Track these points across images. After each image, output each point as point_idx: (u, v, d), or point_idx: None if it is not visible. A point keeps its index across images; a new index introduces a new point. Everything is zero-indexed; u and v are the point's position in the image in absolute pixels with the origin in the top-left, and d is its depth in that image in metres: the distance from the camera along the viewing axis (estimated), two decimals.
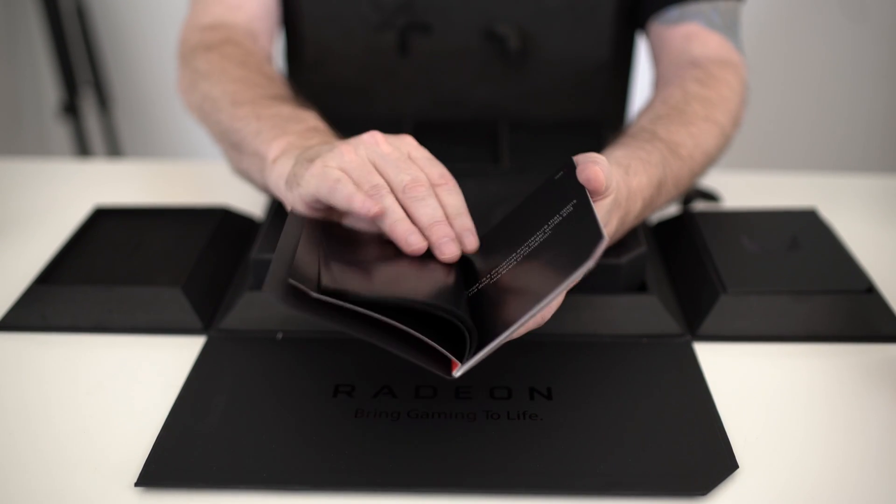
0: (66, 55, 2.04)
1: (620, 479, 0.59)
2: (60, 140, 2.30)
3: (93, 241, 0.86)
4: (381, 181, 0.66)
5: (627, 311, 0.75)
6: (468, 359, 0.56)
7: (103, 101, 2.16)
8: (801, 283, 0.77)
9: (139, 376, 0.71)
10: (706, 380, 0.69)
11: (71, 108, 2.09)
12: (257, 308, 0.76)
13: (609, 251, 0.75)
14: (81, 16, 2.07)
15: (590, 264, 0.53)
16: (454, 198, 0.68)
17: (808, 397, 0.68)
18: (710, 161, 0.85)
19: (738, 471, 0.60)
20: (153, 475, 0.59)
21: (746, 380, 0.70)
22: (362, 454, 0.61)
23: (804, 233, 0.85)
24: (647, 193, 0.73)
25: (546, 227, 0.61)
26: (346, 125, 1.03)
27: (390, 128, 1.01)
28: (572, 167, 0.63)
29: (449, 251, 0.64)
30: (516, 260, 0.62)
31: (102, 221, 0.90)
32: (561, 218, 0.61)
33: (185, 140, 2.26)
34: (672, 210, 0.96)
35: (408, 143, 0.71)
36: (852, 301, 0.76)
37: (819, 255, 0.82)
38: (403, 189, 0.65)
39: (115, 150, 2.22)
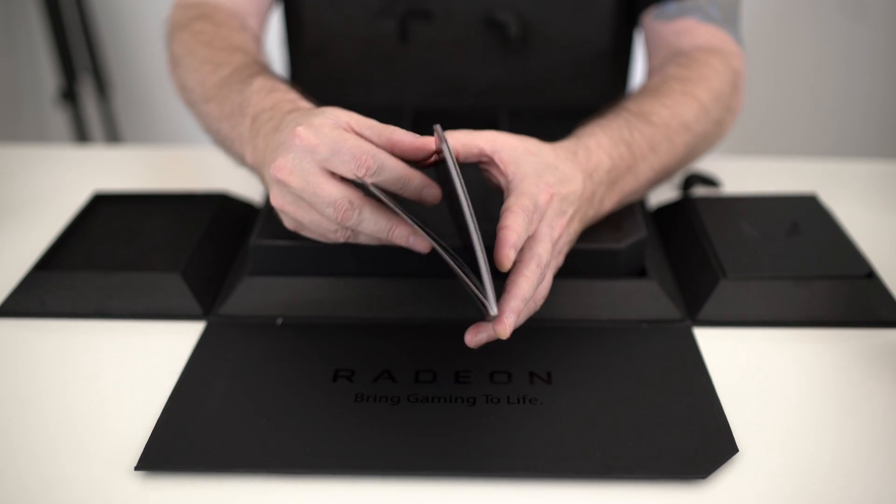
0: (64, 42, 2.04)
1: (620, 462, 0.59)
2: (59, 126, 2.30)
3: (92, 227, 0.86)
4: (316, 228, 0.65)
5: (627, 296, 0.75)
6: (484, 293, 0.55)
7: (102, 88, 2.16)
8: (801, 269, 0.77)
9: (139, 362, 0.71)
10: (706, 364, 0.69)
11: (70, 95, 2.09)
12: (257, 294, 0.76)
13: (609, 236, 0.75)
14: (80, 2, 2.06)
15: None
16: (387, 175, 0.62)
17: (808, 382, 0.68)
18: (691, 134, 0.82)
19: (737, 454, 0.60)
20: (153, 460, 0.59)
21: (746, 365, 0.70)
22: (362, 439, 0.61)
23: (804, 218, 0.85)
24: (613, 151, 0.74)
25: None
26: None
27: (390, 115, 1.01)
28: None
29: (420, 245, 0.64)
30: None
31: (101, 207, 0.90)
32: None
33: (183, 126, 2.25)
34: (672, 195, 0.96)
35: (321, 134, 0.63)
36: (852, 286, 0.76)
37: (819, 241, 0.81)
38: (336, 220, 0.63)
39: (113, 136, 2.22)
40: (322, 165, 0.62)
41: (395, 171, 0.62)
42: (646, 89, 0.85)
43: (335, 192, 0.62)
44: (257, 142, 0.72)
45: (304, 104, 0.73)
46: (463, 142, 0.67)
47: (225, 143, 0.81)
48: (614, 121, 0.77)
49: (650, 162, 0.78)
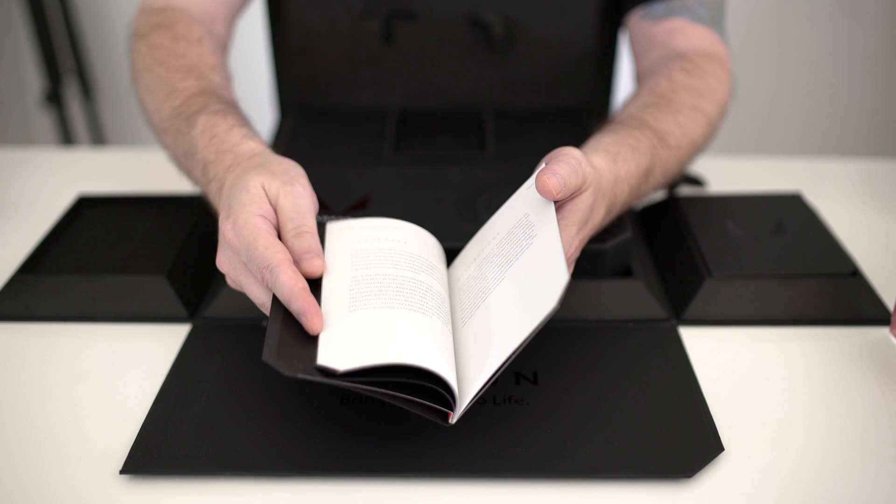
0: (49, 44, 2.03)
1: (606, 462, 0.59)
2: (44, 129, 2.29)
3: (76, 229, 0.85)
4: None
5: (613, 296, 0.75)
6: (457, 408, 0.57)
7: (87, 90, 2.15)
8: (786, 267, 0.77)
9: (124, 365, 0.71)
10: (692, 364, 0.69)
11: (54, 97, 2.08)
12: (242, 296, 0.75)
13: (595, 237, 0.75)
14: (64, 5, 2.05)
15: (554, 307, 0.55)
16: (277, 292, 0.61)
17: (794, 380, 0.68)
18: (696, 150, 0.85)
19: (723, 453, 0.60)
20: (138, 463, 0.59)
21: (732, 363, 0.70)
22: (348, 440, 0.61)
23: (789, 217, 0.86)
24: (634, 182, 0.74)
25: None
26: (332, 114, 1.03)
27: (376, 116, 1.01)
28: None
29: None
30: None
31: (86, 210, 0.89)
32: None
33: None
34: (657, 195, 0.96)
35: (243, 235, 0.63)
36: (837, 284, 0.76)
37: (804, 239, 0.82)
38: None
39: (98, 138, 2.21)
40: (245, 266, 0.63)
41: (282, 291, 0.59)
42: (657, 96, 0.84)
43: (261, 295, 0.63)
44: (209, 195, 0.73)
45: (244, 148, 0.71)
46: (547, 186, 0.63)
47: (187, 175, 0.81)
48: (642, 142, 0.76)
49: (656, 183, 0.80)
